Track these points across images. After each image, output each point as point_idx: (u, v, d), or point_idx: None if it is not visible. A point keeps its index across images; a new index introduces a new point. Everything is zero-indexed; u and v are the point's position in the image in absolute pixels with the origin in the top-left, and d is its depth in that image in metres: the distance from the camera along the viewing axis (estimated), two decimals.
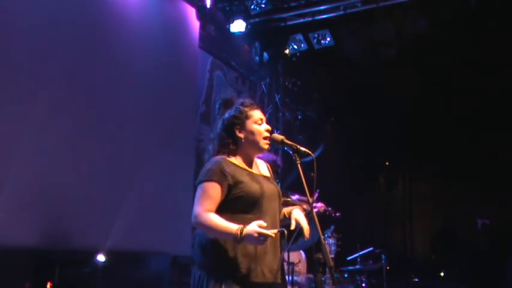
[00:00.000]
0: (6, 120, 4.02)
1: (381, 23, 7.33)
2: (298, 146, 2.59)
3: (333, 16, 7.15)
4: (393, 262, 6.46)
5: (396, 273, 6.99)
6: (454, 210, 9.11)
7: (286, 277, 2.68)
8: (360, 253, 5.82)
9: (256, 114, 2.67)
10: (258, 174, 2.68)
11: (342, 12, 6.99)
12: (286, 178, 8.17)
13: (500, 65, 7.32)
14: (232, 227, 2.37)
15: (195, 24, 6.65)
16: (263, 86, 8.52)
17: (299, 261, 5.15)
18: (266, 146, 2.65)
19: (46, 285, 4.27)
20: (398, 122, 8.55)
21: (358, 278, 5.79)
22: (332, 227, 5.26)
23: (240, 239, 2.33)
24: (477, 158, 8.08)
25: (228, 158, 2.62)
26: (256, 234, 2.30)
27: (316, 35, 7.66)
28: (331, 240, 5.12)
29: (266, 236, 2.30)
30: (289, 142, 2.62)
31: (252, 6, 6.97)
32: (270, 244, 2.50)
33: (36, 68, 4.32)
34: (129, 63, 5.41)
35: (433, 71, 7.92)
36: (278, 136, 2.66)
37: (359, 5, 6.90)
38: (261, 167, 2.79)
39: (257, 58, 8.28)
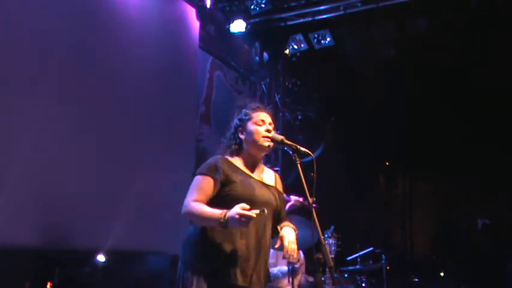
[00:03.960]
0: (6, 120, 4.02)
1: (380, 23, 7.33)
2: (298, 146, 2.59)
3: (333, 16, 7.15)
4: (393, 262, 6.45)
5: (396, 273, 6.99)
6: (454, 210, 9.11)
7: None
8: (360, 253, 5.82)
9: (259, 115, 2.74)
10: (257, 180, 2.70)
11: (342, 12, 6.99)
12: (286, 178, 8.19)
13: (500, 65, 7.32)
14: (217, 212, 2.42)
15: (195, 24, 6.65)
16: (263, 86, 8.52)
17: (298, 261, 5.15)
18: (266, 144, 2.68)
19: (46, 285, 4.27)
20: (398, 122, 8.54)
21: (358, 278, 5.79)
22: (332, 227, 5.25)
23: (224, 222, 2.37)
24: (477, 158, 8.07)
25: (228, 157, 2.68)
26: (237, 216, 2.33)
27: (316, 35, 7.66)
28: (331, 240, 5.11)
29: (249, 218, 2.33)
30: (289, 142, 2.63)
31: (252, 6, 6.97)
32: (254, 248, 2.56)
33: (36, 68, 4.32)
34: (129, 63, 5.41)
35: (433, 71, 7.92)
36: (278, 136, 2.67)
37: (359, 5, 6.90)
38: (266, 174, 2.81)
39: (257, 58, 8.29)
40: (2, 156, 3.95)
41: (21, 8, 4.25)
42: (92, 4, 5.03)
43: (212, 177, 2.58)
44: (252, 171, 2.72)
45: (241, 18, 6.88)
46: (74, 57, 4.68)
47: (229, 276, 2.49)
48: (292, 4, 7.20)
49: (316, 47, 7.73)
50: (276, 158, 8.37)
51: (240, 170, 2.67)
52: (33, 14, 4.35)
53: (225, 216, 2.38)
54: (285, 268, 4.91)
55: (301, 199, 4.01)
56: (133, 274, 5.09)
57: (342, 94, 8.53)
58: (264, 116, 2.76)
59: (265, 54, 8.31)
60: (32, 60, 4.29)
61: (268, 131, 2.69)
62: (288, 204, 3.92)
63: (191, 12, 6.60)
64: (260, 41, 8.16)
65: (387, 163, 9.77)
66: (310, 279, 5.33)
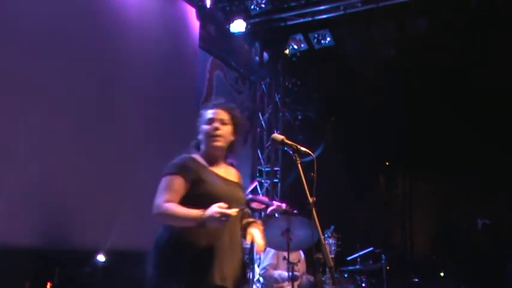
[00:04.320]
0: (6, 120, 4.02)
1: (380, 23, 7.33)
2: (298, 146, 2.59)
3: (333, 16, 7.15)
4: (393, 262, 6.45)
5: (396, 273, 6.99)
6: (454, 210, 9.11)
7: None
8: (360, 253, 5.82)
9: (207, 114, 2.76)
10: (222, 177, 2.72)
11: (342, 12, 6.99)
12: (286, 178, 8.20)
13: (500, 65, 7.31)
14: (193, 211, 2.43)
15: (195, 24, 6.65)
16: (263, 86, 8.52)
17: (299, 261, 5.15)
18: (213, 143, 2.71)
19: (46, 285, 4.26)
20: (398, 122, 8.54)
21: (358, 278, 5.78)
22: (332, 227, 5.26)
23: (202, 221, 2.38)
24: (477, 158, 8.07)
25: (194, 156, 2.71)
26: (217, 215, 2.35)
27: (316, 35, 7.67)
28: (331, 240, 5.12)
29: (227, 216, 2.35)
30: (289, 142, 2.62)
31: (252, 6, 6.97)
32: (228, 246, 2.57)
33: (36, 68, 4.32)
34: (129, 63, 5.41)
35: (433, 71, 7.92)
36: (278, 136, 2.67)
37: (359, 5, 6.90)
38: (229, 171, 2.82)
39: (257, 58, 8.29)
40: (2, 156, 3.95)
41: (21, 8, 4.25)
42: (91, 4, 5.03)
43: (182, 177, 2.58)
44: (216, 169, 2.73)
45: (241, 18, 6.88)
46: (74, 58, 4.68)
47: (206, 276, 2.49)
48: (292, 4, 7.20)
49: (316, 47, 7.73)
50: (276, 158, 8.37)
51: (207, 168, 2.69)
52: (33, 14, 4.34)
53: (203, 215, 2.38)
54: (285, 274, 4.90)
55: (283, 205, 4.06)
56: (133, 274, 5.07)
57: (342, 94, 8.53)
58: (212, 114, 2.75)
59: (265, 54, 8.31)
60: (32, 61, 4.28)
61: (215, 129, 2.70)
62: (269, 209, 3.98)
63: (191, 12, 6.60)
64: (260, 41, 8.16)
65: (387, 163, 9.77)
66: (311, 279, 5.34)
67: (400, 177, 9.95)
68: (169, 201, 2.52)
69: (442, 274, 8.52)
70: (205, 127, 2.74)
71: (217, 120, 2.73)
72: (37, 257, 4.29)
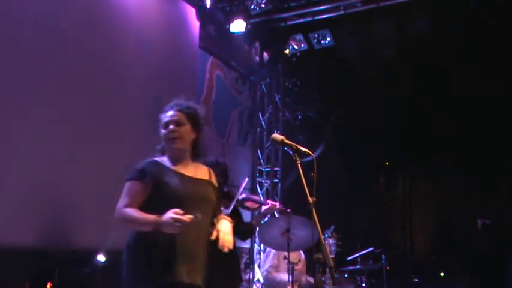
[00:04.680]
0: (6, 120, 4.02)
1: (380, 23, 7.33)
2: (298, 146, 2.60)
3: (333, 16, 7.14)
4: (393, 262, 6.45)
5: (396, 273, 6.99)
6: (454, 210, 9.12)
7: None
8: (360, 253, 5.82)
9: (164, 118, 2.80)
10: (189, 176, 2.74)
11: (342, 12, 6.99)
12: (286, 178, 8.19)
13: (500, 65, 7.32)
14: (150, 217, 2.50)
15: (195, 24, 6.65)
16: (263, 86, 8.52)
17: (299, 261, 5.15)
18: (172, 146, 2.75)
19: (46, 285, 4.26)
20: (398, 122, 8.55)
21: (358, 278, 5.79)
22: (332, 227, 5.26)
23: (157, 227, 2.45)
24: (477, 158, 8.07)
25: (157, 159, 2.77)
26: (172, 221, 2.40)
27: (316, 35, 7.66)
28: (331, 240, 5.12)
29: (182, 222, 2.40)
30: (289, 142, 2.63)
31: (252, 6, 6.97)
32: (195, 244, 2.62)
33: (36, 68, 4.31)
34: (129, 63, 5.40)
35: (433, 71, 7.92)
36: (278, 136, 2.67)
37: (359, 5, 6.89)
38: (199, 170, 2.84)
39: (257, 58, 8.29)
40: (2, 156, 3.95)
41: (22, 8, 4.25)
42: (91, 4, 5.03)
43: (141, 182, 2.66)
44: (182, 169, 2.75)
45: (241, 18, 6.88)
46: (73, 58, 4.68)
47: (174, 274, 2.53)
48: (292, 4, 7.20)
49: (316, 47, 7.72)
50: (276, 158, 8.37)
51: (171, 169, 2.72)
52: (34, 15, 4.34)
53: (158, 221, 2.45)
54: (285, 279, 4.89)
55: (277, 204, 4.08)
56: None
57: (342, 94, 8.53)
58: (169, 117, 2.78)
59: (265, 54, 8.31)
60: (32, 61, 4.28)
61: (172, 132, 2.74)
62: (263, 208, 4.00)
63: (191, 12, 6.60)
64: (260, 41, 8.15)
65: (387, 163, 9.78)
66: (310, 279, 5.34)
67: (400, 177, 9.96)
68: (128, 206, 2.62)
69: (442, 274, 8.52)
70: (162, 131, 2.79)
71: (173, 123, 2.76)
72: (37, 257, 4.29)
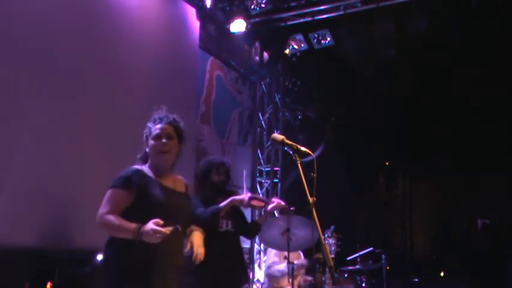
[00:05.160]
0: (6, 120, 4.02)
1: (380, 23, 7.33)
2: (298, 146, 2.60)
3: (333, 16, 7.14)
4: (393, 262, 6.46)
5: (396, 273, 7.00)
6: (454, 210, 9.12)
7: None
8: (360, 253, 5.82)
9: (155, 130, 2.84)
10: (170, 188, 2.81)
11: (342, 12, 6.99)
12: (286, 178, 8.20)
13: (500, 65, 7.32)
14: (131, 225, 2.54)
15: (195, 24, 6.65)
16: (263, 86, 8.52)
17: (301, 266, 5.18)
18: (163, 158, 2.80)
19: (46, 285, 4.26)
20: (398, 122, 8.55)
21: (358, 278, 5.79)
22: (332, 227, 5.26)
23: (138, 236, 2.49)
24: (477, 158, 8.08)
25: (141, 168, 2.80)
26: (152, 232, 2.44)
27: (316, 35, 7.66)
28: (331, 240, 5.12)
29: (161, 233, 2.45)
30: (289, 142, 2.63)
31: (252, 6, 6.96)
32: (169, 253, 2.66)
33: (36, 68, 4.31)
34: (129, 63, 5.40)
35: (433, 71, 7.92)
36: (278, 136, 2.67)
37: (359, 5, 6.89)
38: (177, 182, 2.92)
39: (257, 58, 8.28)
40: (2, 156, 3.95)
41: (22, 8, 4.25)
42: (92, 4, 5.03)
43: (125, 190, 2.69)
44: (163, 180, 2.81)
45: (241, 18, 6.87)
46: (73, 58, 4.67)
47: (148, 284, 2.60)
48: (292, 4, 7.20)
49: (316, 47, 7.72)
50: (276, 158, 8.37)
51: (153, 179, 2.77)
52: (34, 14, 4.34)
53: (139, 230, 2.49)
54: (281, 267, 4.91)
55: (283, 202, 4.09)
56: None
57: (341, 94, 8.54)
58: (160, 130, 2.83)
59: (265, 54, 8.31)
60: (32, 61, 4.28)
61: (163, 145, 2.79)
62: (269, 206, 4.01)
63: (191, 12, 6.60)
64: (260, 41, 8.15)
65: (387, 163, 9.79)
66: (310, 279, 5.34)
67: (400, 177, 9.97)
68: (110, 213, 2.64)
69: (442, 274, 8.52)
70: (153, 142, 2.82)
71: (165, 136, 2.82)
72: (37, 257, 4.29)
